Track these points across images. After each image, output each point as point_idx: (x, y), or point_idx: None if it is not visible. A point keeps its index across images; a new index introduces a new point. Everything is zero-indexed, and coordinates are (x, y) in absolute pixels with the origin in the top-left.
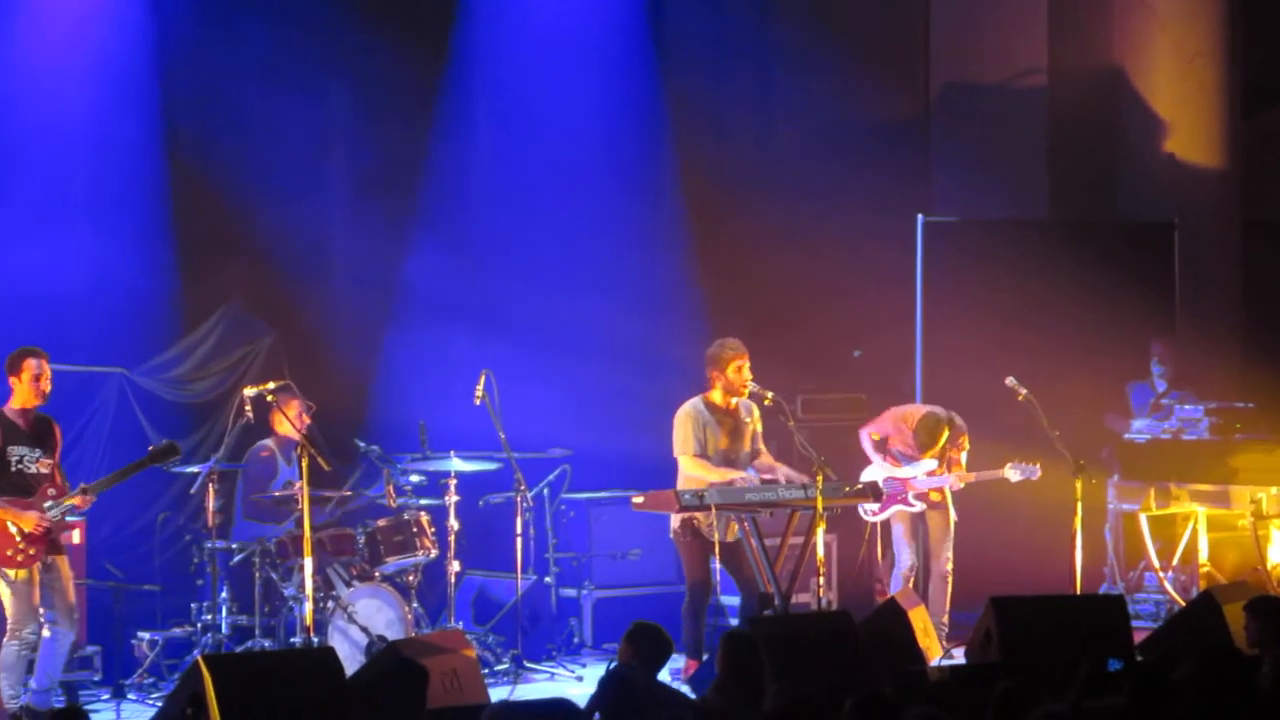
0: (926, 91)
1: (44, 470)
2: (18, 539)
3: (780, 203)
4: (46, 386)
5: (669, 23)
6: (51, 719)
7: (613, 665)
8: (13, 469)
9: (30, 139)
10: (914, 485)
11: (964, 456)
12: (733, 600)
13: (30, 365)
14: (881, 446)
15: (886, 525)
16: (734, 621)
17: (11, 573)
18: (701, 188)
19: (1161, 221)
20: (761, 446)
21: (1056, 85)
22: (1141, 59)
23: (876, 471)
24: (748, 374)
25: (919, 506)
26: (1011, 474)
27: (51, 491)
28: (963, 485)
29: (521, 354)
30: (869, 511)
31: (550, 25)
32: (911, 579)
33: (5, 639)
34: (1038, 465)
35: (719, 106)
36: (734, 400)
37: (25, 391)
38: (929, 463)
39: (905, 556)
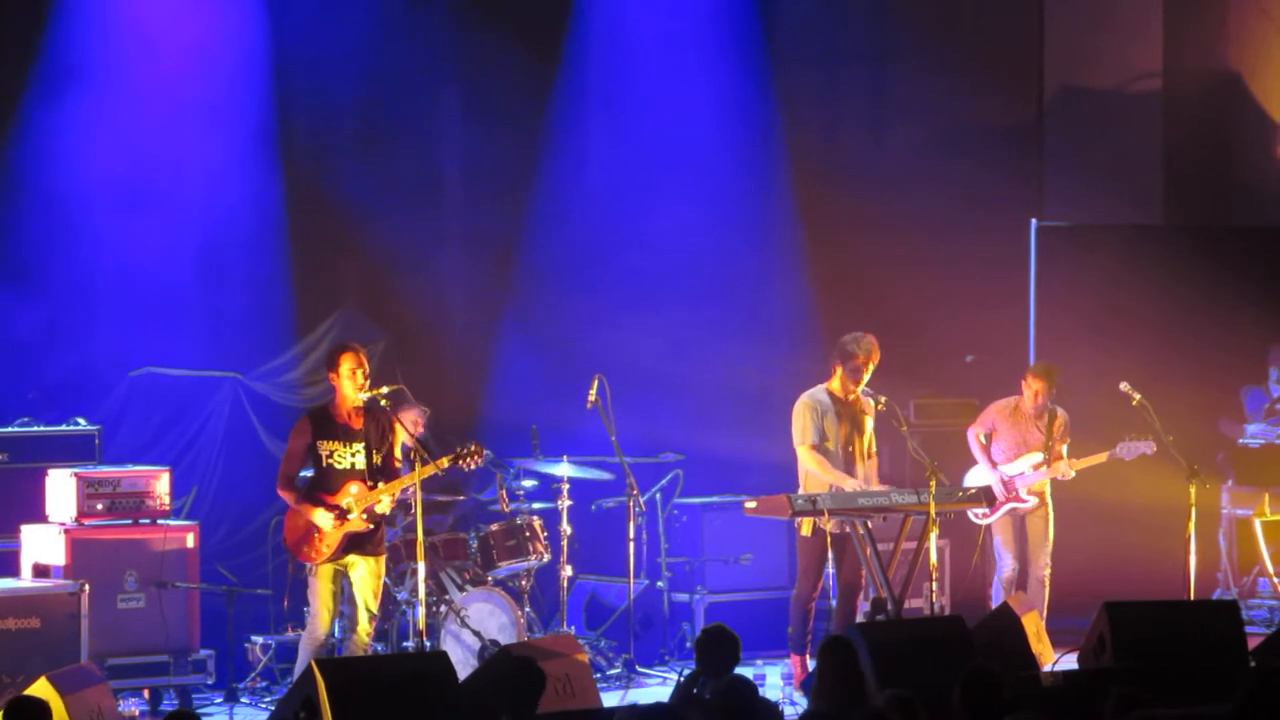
0: (1040, 95)
1: (357, 467)
2: (315, 536)
3: (892, 204)
4: (361, 380)
5: (780, 20)
6: None
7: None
8: (322, 464)
9: (145, 144)
10: (1023, 481)
11: (1065, 449)
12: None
13: (346, 360)
14: (988, 448)
15: (987, 531)
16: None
17: (307, 568)
18: (812, 189)
19: (1277, 226)
20: (873, 450)
21: (1172, 90)
22: (1258, 63)
23: (982, 473)
24: (866, 375)
25: (1032, 502)
26: (1124, 452)
27: (353, 489)
28: (1074, 473)
29: (634, 358)
30: (980, 515)
31: (661, 22)
32: (1013, 584)
33: (304, 631)
34: (1150, 440)
35: (830, 106)
36: (854, 392)
37: (343, 386)
38: (1034, 456)
39: (1006, 561)
